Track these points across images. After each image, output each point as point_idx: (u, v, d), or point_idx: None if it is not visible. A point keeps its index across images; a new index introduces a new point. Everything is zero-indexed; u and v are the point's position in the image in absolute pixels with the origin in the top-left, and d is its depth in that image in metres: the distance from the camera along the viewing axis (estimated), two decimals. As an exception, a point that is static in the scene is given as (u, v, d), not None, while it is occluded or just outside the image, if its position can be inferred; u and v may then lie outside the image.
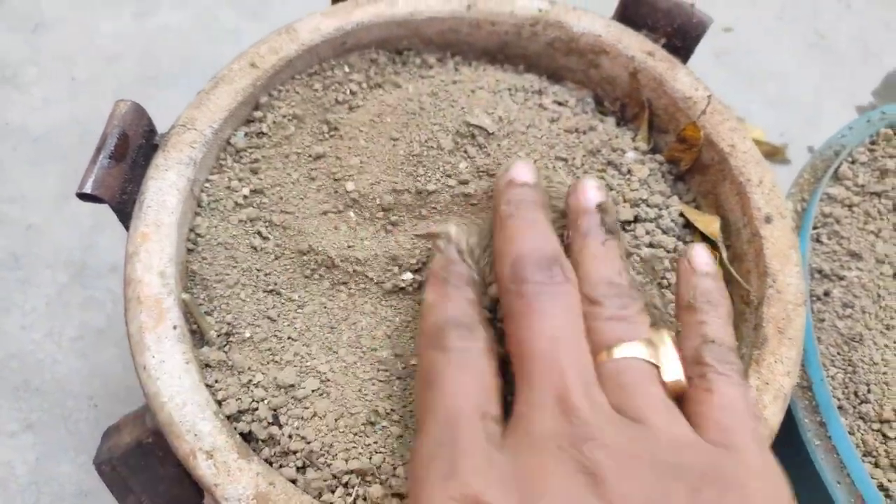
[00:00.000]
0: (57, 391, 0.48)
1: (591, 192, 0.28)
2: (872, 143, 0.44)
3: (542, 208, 0.27)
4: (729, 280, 0.36)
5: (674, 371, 0.23)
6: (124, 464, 0.31)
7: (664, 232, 0.36)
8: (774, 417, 0.31)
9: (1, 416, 0.46)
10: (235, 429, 0.29)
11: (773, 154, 0.62)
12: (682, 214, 0.38)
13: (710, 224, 0.38)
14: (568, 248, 0.27)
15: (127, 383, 0.48)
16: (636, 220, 0.36)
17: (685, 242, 0.37)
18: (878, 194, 0.42)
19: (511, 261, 0.24)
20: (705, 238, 0.38)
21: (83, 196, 0.30)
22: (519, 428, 0.22)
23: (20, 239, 0.52)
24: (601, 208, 0.28)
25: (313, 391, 0.31)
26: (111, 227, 0.53)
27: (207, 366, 0.31)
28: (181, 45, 0.60)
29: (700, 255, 0.28)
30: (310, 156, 0.37)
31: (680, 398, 0.24)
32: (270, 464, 0.29)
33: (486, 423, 0.22)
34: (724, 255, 0.37)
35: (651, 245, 0.35)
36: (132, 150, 0.32)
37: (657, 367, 0.23)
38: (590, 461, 0.20)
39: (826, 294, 0.40)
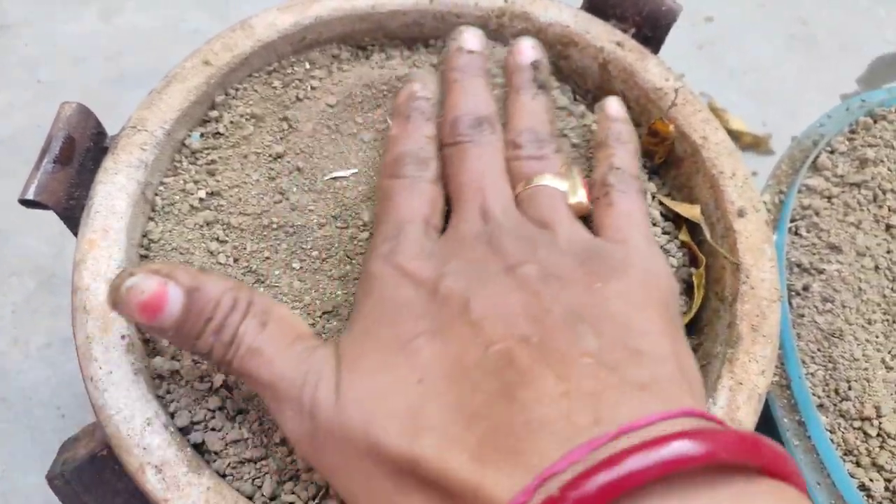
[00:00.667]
0: (23, 401, 0.47)
1: (528, 50, 0.33)
2: (852, 131, 0.43)
3: (483, 73, 0.33)
4: (711, 265, 0.35)
5: (579, 195, 0.29)
6: (77, 478, 0.30)
7: (653, 224, 0.36)
8: (748, 419, 0.30)
9: (-35, 428, 0.45)
10: (188, 440, 0.28)
11: (756, 145, 0.61)
12: (661, 203, 0.37)
13: (691, 209, 0.37)
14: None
15: (95, 392, 0.47)
16: None
17: (668, 234, 0.36)
18: (858, 185, 0.41)
19: (450, 120, 0.30)
20: (689, 224, 0.37)
21: (26, 203, 0.29)
22: (450, 232, 0.27)
23: (-15, 246, 0.51)
24: (534, 65, 0.33)
25: None
26: (80, 233, 0.52)
27: (160, 376, 0.30)
28: (148, 46, 0.58)
29: (613, 105, 0.34)
30: (270, 155, 0.35)
31: (585, 219, 0.29)
32: (224, 476, 0.28)
33: (426, 227, 0.27)
34: (709, 235, 0.36)
35: None
36: (79, 154, 0.31)
37: (565, 193, 0.29)
38: (496, 242, 0.25)
39: (805, 289, 0.39)
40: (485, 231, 0.26)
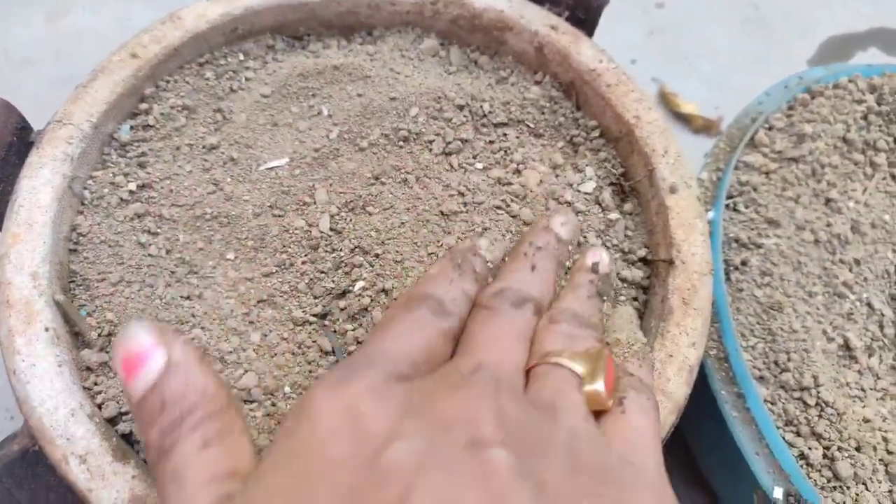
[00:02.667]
0: (-27, 405, 0.46)
1: (598, 257, 0.31)
2: (790, 108, 0.43)
3: (556, 262, 0.30)
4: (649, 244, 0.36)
5: (597, 384, 0.24)
6: (9, 474, 0.30)
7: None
8: (679, 390, 0.30)
9: (-89, 433, 0.45)
10: (116, 430, 0.28)
11: (708, 128, 0.61)
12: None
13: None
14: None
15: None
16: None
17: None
18: (796, 160, 0.41)
19: (498, 286, 0.27)
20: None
21: (-55, 198, 0.29)
22: (435, 375, 0.23)
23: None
24: (599, 271, 0.31)
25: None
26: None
27: (88, 368, 0.29)
28: (97, 47, 0.58)
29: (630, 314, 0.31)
30: (203, 147, 0.35)
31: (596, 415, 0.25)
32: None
33: (410, 367, 0.23)
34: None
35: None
36: (1, 149, 0.31)
37: (581, 378, 0.24)
38: (475, 398, 0.21)
39: (744, 263, 0.39)
40: (467, 381, 0.22)
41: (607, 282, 0.31)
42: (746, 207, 0.40)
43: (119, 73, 0.34)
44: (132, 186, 0.34)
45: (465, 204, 0.35)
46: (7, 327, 0.28)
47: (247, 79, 0.38)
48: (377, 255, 0.33)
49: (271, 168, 0.35)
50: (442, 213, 0.35)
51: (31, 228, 0.30)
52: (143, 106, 0.35)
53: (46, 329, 0.28)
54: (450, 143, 0.37)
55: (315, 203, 0.35)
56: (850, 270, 0.40)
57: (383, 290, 0.32)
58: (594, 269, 0.30)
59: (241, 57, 0.38)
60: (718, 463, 0.39)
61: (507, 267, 0.29)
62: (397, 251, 0.33)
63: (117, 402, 0.28)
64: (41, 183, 0.31)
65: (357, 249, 0.33)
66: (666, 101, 0.61)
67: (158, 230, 0.33)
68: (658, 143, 0.36)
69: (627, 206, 0.37)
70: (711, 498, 0.44)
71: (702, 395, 0.34)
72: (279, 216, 0.34)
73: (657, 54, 0.65)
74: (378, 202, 0.35)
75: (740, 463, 0.34)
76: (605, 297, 0.31)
